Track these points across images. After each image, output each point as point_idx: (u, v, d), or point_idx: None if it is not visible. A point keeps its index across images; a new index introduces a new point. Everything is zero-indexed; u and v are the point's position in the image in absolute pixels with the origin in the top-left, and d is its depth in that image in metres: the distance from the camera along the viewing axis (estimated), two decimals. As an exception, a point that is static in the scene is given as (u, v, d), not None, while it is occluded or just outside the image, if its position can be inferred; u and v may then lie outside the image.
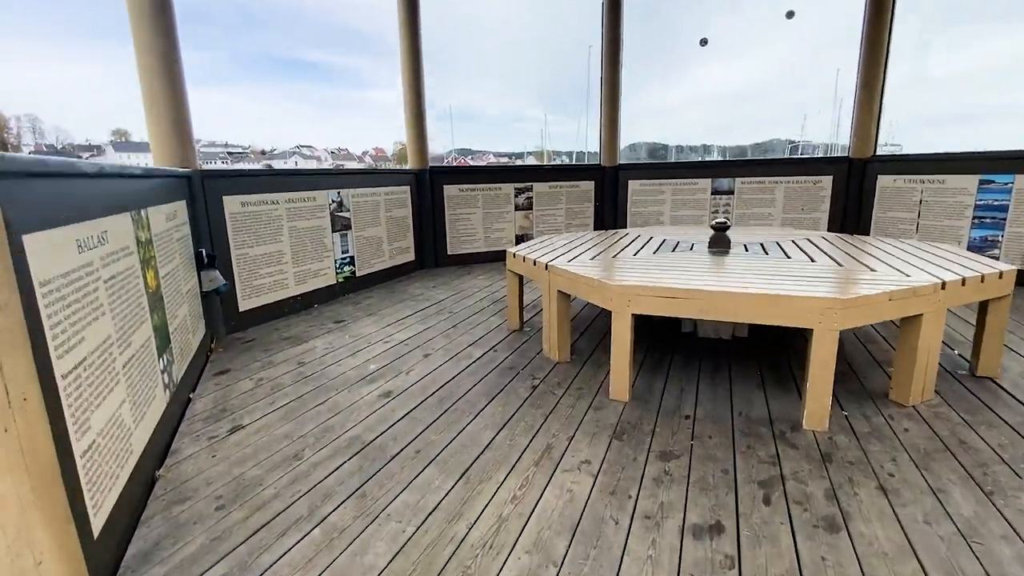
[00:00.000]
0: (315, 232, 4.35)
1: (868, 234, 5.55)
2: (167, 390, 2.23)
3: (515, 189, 6.26)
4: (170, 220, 2.63)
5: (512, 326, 3.62)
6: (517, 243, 6.30)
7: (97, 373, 1.52)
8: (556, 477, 1.88)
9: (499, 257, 6.17)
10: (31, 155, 1.22)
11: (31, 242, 1.22)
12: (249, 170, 3.80)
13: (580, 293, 2.67)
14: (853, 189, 5.67)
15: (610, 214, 6.62)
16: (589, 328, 3.58)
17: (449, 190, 5.93)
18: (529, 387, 2.65)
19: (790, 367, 2.84)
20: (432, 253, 5.92)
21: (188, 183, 3.17)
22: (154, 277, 2.23)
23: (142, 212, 2.17)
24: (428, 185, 5.76)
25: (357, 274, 4.88)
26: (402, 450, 2.09)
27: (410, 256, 5.67)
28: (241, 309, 3.71)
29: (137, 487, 1.72)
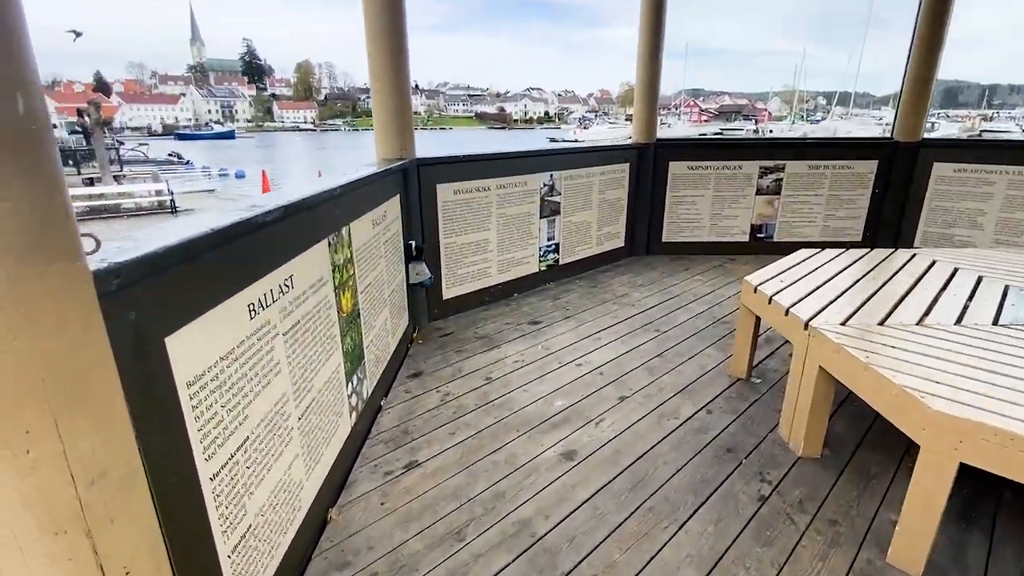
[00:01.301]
0: (523, 219, 4.07)
1: None
2: (354, 412, 2.18)
3: (760, 169, 5.08)
4: (378, 224, 2.55)
5: (736, 372, 2.85)
6: (751, 236, 5.18)
7: (262, 445, 1.40)
8: None
9: (724, 250, 5.18)
10: (179, 239, 1.03)
11: (177, 342, 1.05)
12: (464, 156, 3.64)
13: (863, 391, 1.81)
14: None
15: (894, 208, 4.97)
16: (850, 399, 2.62)
17: (675, 168, 5.07)
18: (756, 497, 1.97)
19: None
20: (644, 239, 5.23)
21: (404, 175, 3.10)
22: (351, 297, 2.14)
23: (343, 231, 2.06)
24: (651, 162, 5.00)
25: (560, 262, 4.52)
26: (575, 567, 1.67)
27: (619, 242, 5.09)
28: (444, 297, 3.68)
29: (301, 546, 1.65)
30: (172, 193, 15.55)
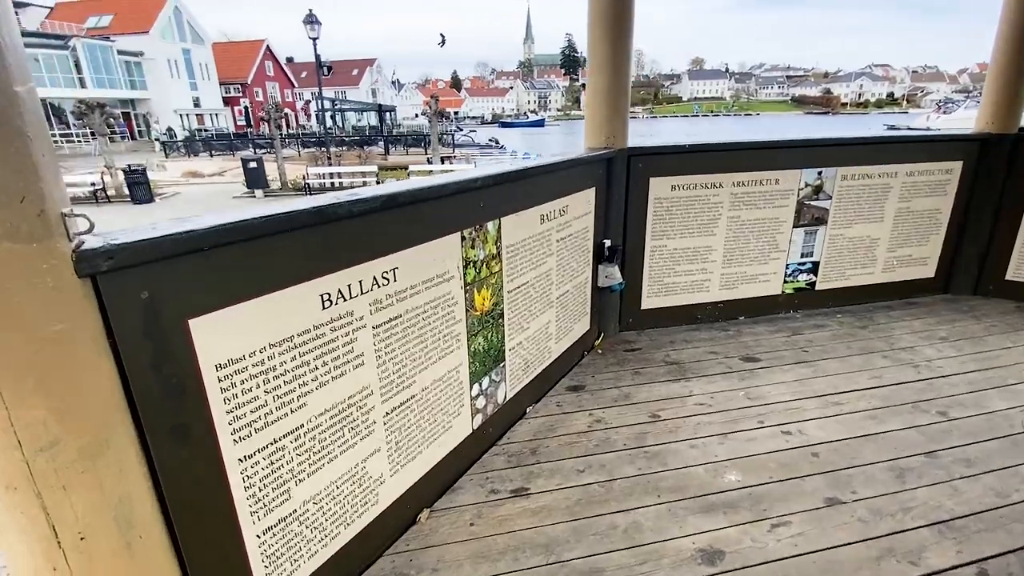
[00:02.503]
0: (766, 225, 3.25)
1: None
2: (478, 415, 2.06)
3: None
4: (550, 219, 2.32)
5: (1079, 525, 1.67)
6: None
7: (324, 435, 1.39)
8: None
9: None
10: (205, 225, 1.02)
11: (205, 324, 1.07)
12: (690, 146, 3.06)
13: None
14: None
15: None
16: None
17: (1057, 171, 3.30)
18: None
19: None
20: (973, 273, 3.62)
21: (607, 166, 2.78)
22: (490, 296, 2.00)
23: (488, 225, 1.91)
24: (1005, 161, 3.36)
25: (817, 287, 3.49)
26: None
27: (925, 271, 3.64)
28: (643, 307, 3.24)
29: (371, 540, 1.62)
30: (476, 172, 18.35)
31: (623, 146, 2.83)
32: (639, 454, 2.13)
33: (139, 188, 15.71)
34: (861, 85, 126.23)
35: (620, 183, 2.87)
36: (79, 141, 32.61)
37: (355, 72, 64.61)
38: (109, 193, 16.36)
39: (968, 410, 2.35)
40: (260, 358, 1.20)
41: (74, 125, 32.54)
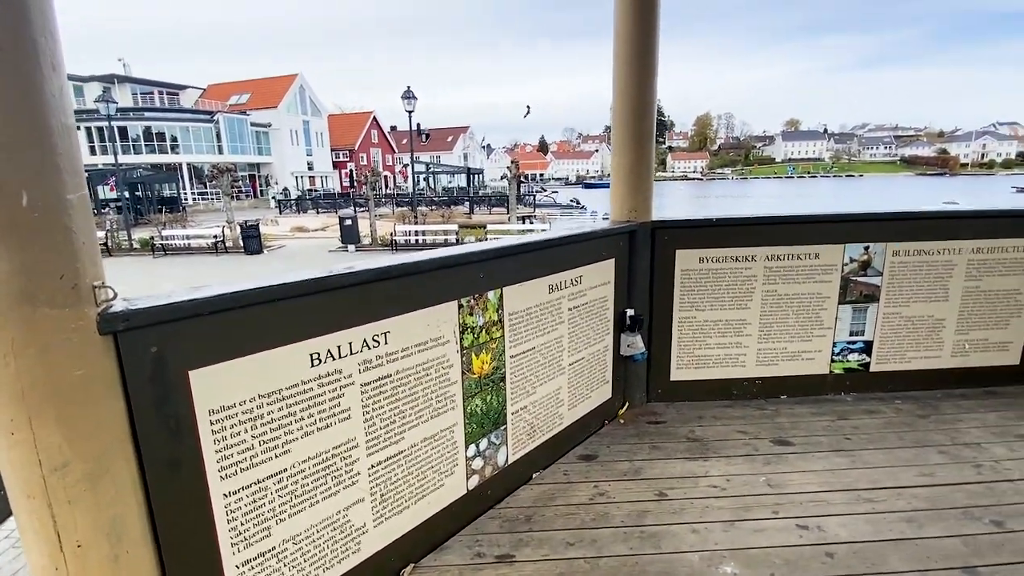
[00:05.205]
0: (807, 300, 3.13)
1: None
2: (474, 476, 2.14)
3: None
4: (559, 289, 2.44)
5: None
6: None
7: (306, 480, 1.55)
8: None
9: None
10: (203, 295, 1.26)
11: (202, 376, 1.29)
12: (717, 220, 3.06)
13: None
14: None
15: None
16: None
17: None
18: None
19: None
20: (1071, 363, 3.18)
21: (629, 238, 2.86)
22: (490, 360, 2.12)
23: (488, 294, 2.06)
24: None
25: (872, 368, 3.24)
26: None
27: (1008, 358, 3.26)
28: (672, 378, 3.18)
29: (350, 587, 1.72)
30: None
31: (646, 219, 2.92)
32: (634, 533, 2.08)
33: (252, 241, 17.77)
34: (984, 145, 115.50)
35: (644, 255, 2.94)
36: (212, 199, 37.66)
37: (450, 139, 69.79)
38: (228, 244, 18.62)
39: (998, 508, 2.06)
40: (249, 407, 1.40)
41: (209, 185, 37.75)
